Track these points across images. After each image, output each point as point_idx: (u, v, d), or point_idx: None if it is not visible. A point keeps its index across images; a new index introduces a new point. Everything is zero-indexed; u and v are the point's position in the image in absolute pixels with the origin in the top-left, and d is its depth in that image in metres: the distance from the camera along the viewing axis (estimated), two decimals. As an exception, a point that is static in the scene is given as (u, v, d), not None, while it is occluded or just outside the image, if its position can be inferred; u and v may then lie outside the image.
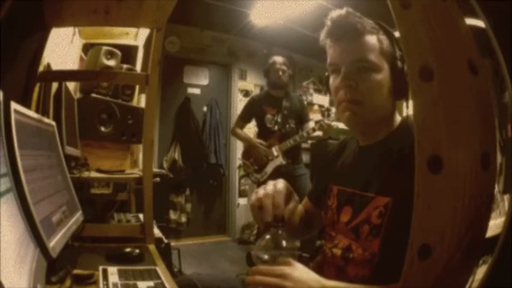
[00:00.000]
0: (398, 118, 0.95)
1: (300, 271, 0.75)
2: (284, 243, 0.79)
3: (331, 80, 0.94)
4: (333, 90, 0.93)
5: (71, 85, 1.92)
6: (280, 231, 0.80)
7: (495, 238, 0.47)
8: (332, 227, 0.97)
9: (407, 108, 0.91)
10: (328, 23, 0.89)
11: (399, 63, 0.87)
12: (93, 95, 2.12)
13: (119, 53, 2.17)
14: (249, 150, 3.06)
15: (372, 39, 0.87)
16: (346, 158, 1.04)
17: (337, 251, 0.90)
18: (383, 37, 0.88)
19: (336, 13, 0.88)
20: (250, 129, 3.53)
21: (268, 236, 0.81)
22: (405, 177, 0.58)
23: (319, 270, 0.93)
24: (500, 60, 0.48)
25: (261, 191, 0.89)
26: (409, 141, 0.57)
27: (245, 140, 3.15)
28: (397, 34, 0.48)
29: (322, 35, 0.91)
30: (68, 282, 0.97)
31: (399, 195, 0.78)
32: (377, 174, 0.88)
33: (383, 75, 0.87)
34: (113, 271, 1.06)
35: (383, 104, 0.89)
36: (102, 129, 2.07)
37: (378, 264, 0.81)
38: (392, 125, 0.93)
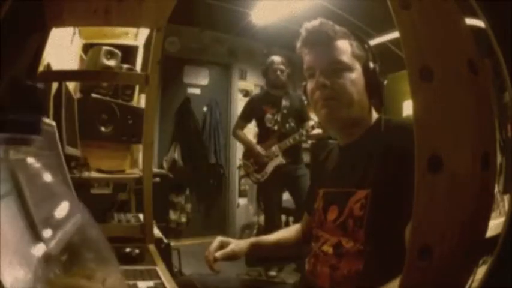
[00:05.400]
0: (375, 117, 0.99)
1: None
2: None
3: (308, 85, 0.98)
4: (309, 94, 0.98)
5: (71, 85, 1.92)
6: None
7: (495, 238, 0.47)
8: (320, 227, 0.99)
9: (383, 106, 0.97)
10: (303, 32, 0.96)
11: (371, 64, 0.93)
12: (93, 95, 2.12)
13: (118, 53, 2.18)
14: (250, 151, 3.06)
15: (343, 44, 0.93)
16: (330, 162, 1.09)
17: (328, 249, 0.92)
18: (354, 42, 0.94)
19: (309, 23, 0.95)
20: (250, 129, 3.53)
21: None
22: (381, 168, 0.68)
23: (314, 271, 0.95)
24: (500, 60, 0.48)
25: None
26: (384, 137, 0.70)
27: (246, 144, 3.13)
28: (396, 34, 0.48)
29: (298, 44, 0.98)
30: (68, 282, 0.96)
31: (377, 185, 0.84)
32: (356, 170, 0.93)
33: (356, 75, 0.93)
34: (113, 271, 1.06)
35: (357, 100, 0.93)
36: (102, 129, 2.07)
37: (369, 255, 0.83)
38: (369, 124, 0.98)
